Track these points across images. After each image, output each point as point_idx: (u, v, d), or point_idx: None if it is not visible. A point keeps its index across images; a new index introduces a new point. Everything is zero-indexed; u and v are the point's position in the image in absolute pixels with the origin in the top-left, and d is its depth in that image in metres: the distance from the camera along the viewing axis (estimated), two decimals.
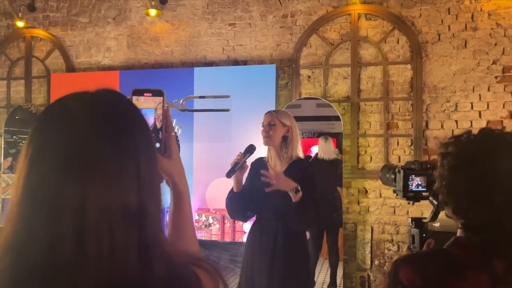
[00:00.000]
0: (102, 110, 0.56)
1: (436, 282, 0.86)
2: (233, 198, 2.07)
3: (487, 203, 0.87)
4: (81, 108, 0.55)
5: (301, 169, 2.05)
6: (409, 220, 1.31)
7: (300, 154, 2.12)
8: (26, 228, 0.51)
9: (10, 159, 4.53)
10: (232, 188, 2.09)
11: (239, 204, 2.08)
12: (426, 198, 1.28)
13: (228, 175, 2.00)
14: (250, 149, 2.03)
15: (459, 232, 0.93)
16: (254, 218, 2.19)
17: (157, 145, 0.73)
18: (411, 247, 1.29)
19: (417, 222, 1.29)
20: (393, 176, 1.35)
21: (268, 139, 2.06)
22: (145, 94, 0.76)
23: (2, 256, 0.51)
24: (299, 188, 1.90)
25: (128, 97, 0.75)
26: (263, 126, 2.09)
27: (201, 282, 0.59)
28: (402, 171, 1.31)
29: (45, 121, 0.56)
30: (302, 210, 1.93)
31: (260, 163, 2.14)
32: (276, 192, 1.93)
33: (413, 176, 1.30)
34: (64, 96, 0.58)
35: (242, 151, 2.03)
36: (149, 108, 0.75)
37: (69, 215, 0.50)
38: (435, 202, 1.19)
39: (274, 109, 2.21)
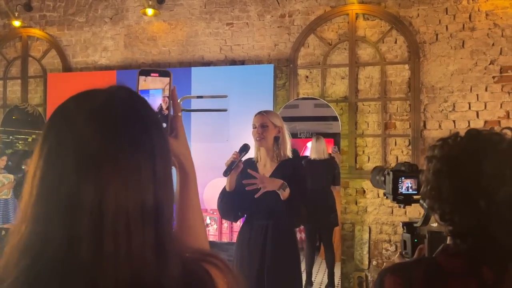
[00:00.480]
0: (119, 110, 0.55)
1: None
2: (225, 198, 2.08)
3: (473, 207, 0.84)
4: (98, 107, 0.54)
5: (291, 168, 2.08)
6: (401, 224, 1.27)
7: (289, 153, 2.15)
8: (43, 229, 0.50)
9: (5, 158, 4.50)
10: (224, 188, 2.10)
11: (231, 203, 2.09)
12: (417, 201, 1.22)
13: (225, 173, 2.01)
14: (245, 148, 2.06)
15: (448, 240, 0.90)
16: (243, 218, 2.21)
17: (164, 125, 0.73)
18: (403, 253, 1.25)
19: (409, 226, 1.24)
20: (383, 178, 1.31)
21: (262, 140, 2.09)
22: (151, 74, 0.77)
23: (20, 257, 0.50)
24: (286, 185, 1.93)
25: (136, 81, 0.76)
26: (254, 127, 2.11)
27: (213, 279, 0.59)
28: (391, 173, 1.26)
29: (61, 119, 0.55)
30: (292, 207, 1.96)
31: (250, 164, 2.15)
32: (266, 192, 1.95)
33: (402, 178, 1.25)
34: (77, 94, 0.57)
35: (237, 150, 2.04)
36: (156, 89, 0.76)
37: (87, 215, 0.49)
38: (426, 206, 1.13)
39: (265, 110, 2.22)
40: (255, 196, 1.94)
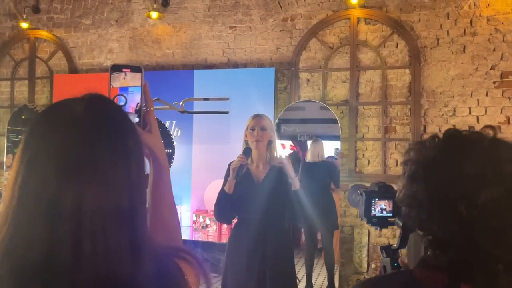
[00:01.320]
0: (97, 118, 0.58)
1: None
2: (225, 200, 2.11)
3: (452, 212, 0.73)
4: (76, 116, 0.57)
5: (282, 172, 2.12)
6: (379, 248, 1.21)
7: (278, 155, 2.22)
8: (25, 232, 0.53)
9: (11, 156, 4.59)
10: (222, 191, 2.13)
11: (229, 206, 2.12)
12: (393, 223, 1.15)
13: (237, 177, 2.06)
14: (249, 151, 2.12)
15: (428, 251, 0.81)
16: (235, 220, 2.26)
17: (137, 119, 0.76)
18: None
19: (387, 250, 1.16)
20: (358, 199, 1.23)
21: (259, 143, 2.13)
22: (123, 70, 0.79)
23: (1, 259, 0.53)
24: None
25: (108, 73, 0.78)
26: (252, 129, 2.14)
27: (183, 273, 0.62)
28: (364, 194, 1.19)
29: (40, 127, 0.58)
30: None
31: (241, 166, 2.19)
32: (260, 194, 1.99)
33: (376, 200, 1.18)
34: (57, 103, 0.61)
35: (242, 154, 2.09)
36: (135, 86, 0.78)
37: (66, 219, 0.52)
38: (401, 224, 1.08)
39: (260, 113, 2.27)
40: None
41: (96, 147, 0.56)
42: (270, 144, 2.18)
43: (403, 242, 1.12)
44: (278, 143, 2.26)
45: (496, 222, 0.71)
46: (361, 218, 1.22)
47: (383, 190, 1.18)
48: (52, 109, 0.60)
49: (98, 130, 0.57)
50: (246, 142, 2.20)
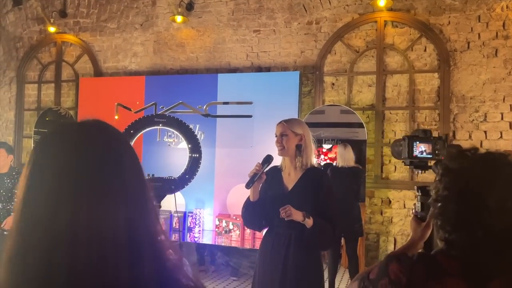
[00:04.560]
0: (88, 144, 0.60)
1: (419, 283, 0.94)
2: (249, 208, 2.08)
3: (471, 233, 0.90)
4: (75, 141, 0.60)
5: (316, 179, 2.06)
6: (416, 188, 1.30)
7: (314, 162, 2.13)
8: (24, 244, 0.55)
9: None
10: (248, 197, 2.10)
11: (254, 213, 2.08)
12: (431, 167, 1.28)
13: (248, 186, 2.01)
14: (268, 159, 2.06)
15: (443, 244, 0.98)
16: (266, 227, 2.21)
17: None
18: (418, 215, 1.28)
19: (423, 189, 1.28)
20: (400, 148, 1.37)
21: (282, 150, 2.08)
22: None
23: (3, 267, 0.55)
24: (308, 215, 1.94)
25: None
26: (276, 136, 2.10)
27: None
28: (406, 138, 1.33)
29: (40, 150, 0.61)
30: (319, 235, 1.97)
31: (275, 172, 2.14)
32: (288, 201, 1.94)
33: (417, 142, 1.32)
34: (56, 128, 0.63)
35: (260, 162, 2.04)
36: None
37: (62, 235, 0.54)
38: (438, 172, 1.19)
39: (287, 118, 2.21)
40: (282, 216, 1.93)
41: (88, 169, 0.57)
42: (298, 148, 2.11)
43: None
44: (312, 148, 2.17)
45: (502, 247, 0.89)
46: (404, 163, 1.34)
47: (423, 134, 1.33)
48: (51, 134, 0.63)
49: (88, 156, 0.59)
50: None
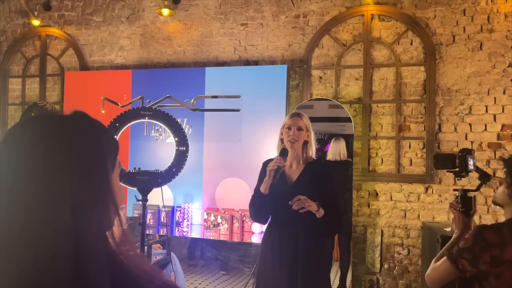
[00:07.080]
0: (43, 147, 0.57)
1: (508, 240, 1.35)
2: (261, 200, 2.08)
3: None
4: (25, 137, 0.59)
5: (318, 169, 2.10)
6: (458, 191, 1.70)
7: (314, 155, 2.17)
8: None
9: None
10: (257, 191, 2.10)
11: (264, 206, 2.10)
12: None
13: (275, 179, 2.03)
14: (286, 152, 2.10)
15: None
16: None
17: None
18: (461, 209, 1.65)
19: (464, 192, 1.68)
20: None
21: (295, 143, 2.09)
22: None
23: None
24: (320, 205, 1.98)
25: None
26: (289, 128, 2.09)
27: None
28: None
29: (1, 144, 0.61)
30: (328, 223, 2.02)
31: (278, 168, 2.15)
32: (292, 193, 1.96)
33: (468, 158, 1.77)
34: (15, 124, 0.62)
35: (279, 155, 2.08)
36: None
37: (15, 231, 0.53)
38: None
39: (299, 112, 2.24)
40: (294, 208, 1.95)
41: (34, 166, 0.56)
42: (306, 144, 2.14)
43: (478, 188, 1.74)
44: (314, 143, 2.21)
45: None
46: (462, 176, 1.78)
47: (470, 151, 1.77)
48: (18, 126, 0.61)
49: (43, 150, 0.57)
50: (281, 140, 2.15)
